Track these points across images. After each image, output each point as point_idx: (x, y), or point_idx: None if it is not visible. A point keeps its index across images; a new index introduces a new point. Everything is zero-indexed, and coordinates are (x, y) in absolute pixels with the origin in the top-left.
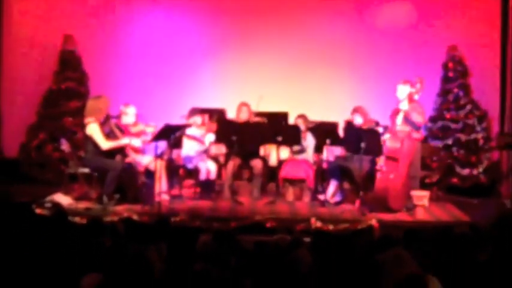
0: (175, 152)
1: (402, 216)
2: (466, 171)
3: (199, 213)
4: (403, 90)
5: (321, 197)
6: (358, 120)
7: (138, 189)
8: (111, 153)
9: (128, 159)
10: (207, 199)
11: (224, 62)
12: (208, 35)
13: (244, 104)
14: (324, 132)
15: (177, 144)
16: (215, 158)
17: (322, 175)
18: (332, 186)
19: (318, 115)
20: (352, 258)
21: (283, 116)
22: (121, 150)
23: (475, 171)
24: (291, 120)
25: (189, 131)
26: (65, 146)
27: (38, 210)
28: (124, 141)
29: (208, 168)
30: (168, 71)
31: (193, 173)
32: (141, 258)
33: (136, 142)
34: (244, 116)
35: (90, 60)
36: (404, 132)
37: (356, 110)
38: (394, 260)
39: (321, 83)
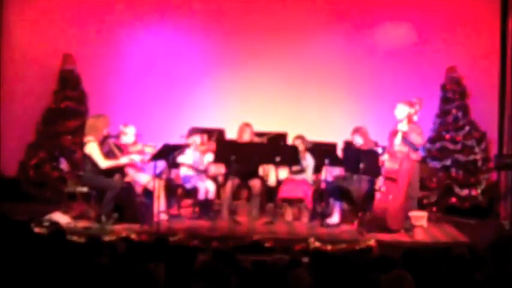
0: (174, 172)
1: (401, 236)
2: (464, 192)
3: (198, 233)
4: (402, 110)
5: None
6: (358, 141)
7: (136, 209)
8: (110, 172)
9: (126, 179)
10: (206, 219)
11: (223, 82)
12: (207, 55)
13: (246, 125)
14: (323, 152)
15: (175, 163)
16: (214, 178)
17: (321, 195)
18: (336, 209)
19: (316, 135)
20: (351, 278)
21: (282, 136)
22: (120, 170)
23: (473, 192)
24: (290, 141)
25: (187, 154)
26: (63, 165)
27: (36, 229)
28: (123, 160)
29: (207, 188)
30: (167, 90)
31: (192, 192)
32: (148, 276)
33: (137, 157)
34: (247, 137)
35: (90, 80)
36: (403, 153)
37: (356, 131)
38: (395, 281)
39: (320, 103)
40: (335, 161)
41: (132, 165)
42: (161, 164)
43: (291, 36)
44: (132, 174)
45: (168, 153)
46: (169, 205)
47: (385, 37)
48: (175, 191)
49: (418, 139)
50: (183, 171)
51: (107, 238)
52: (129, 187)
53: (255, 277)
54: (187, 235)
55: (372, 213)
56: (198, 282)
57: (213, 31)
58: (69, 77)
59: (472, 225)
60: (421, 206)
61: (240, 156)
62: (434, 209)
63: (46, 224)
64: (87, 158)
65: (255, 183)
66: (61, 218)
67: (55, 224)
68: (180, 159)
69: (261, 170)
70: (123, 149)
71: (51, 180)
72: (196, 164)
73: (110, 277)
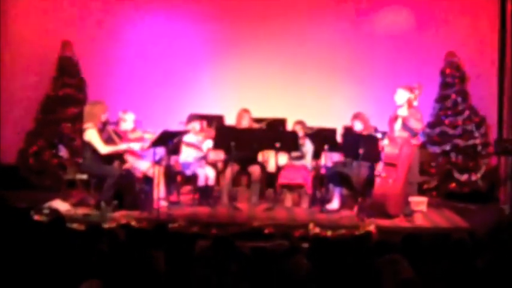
0: (173, 158)
1: (400, 222)
2: (464, 177)
3: (198, 219)
4: (402, 95)
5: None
6: (358, 127)
7: (136, 196)
8: (109, 159)
9: (126, 166)
10: (205, 205)
11: (222, 68)
12: (206, 41)
13: (245, 111)
14: (322, 138)
15: (175, 150)
16: (213, 164)
17: (321, 181)
18: (336, 194)
19: (316, 121)
20: (350, 264)
21: (281, 122)
22: (119, 157)
23: (473, 177)
24: (289, 127)
25: (187, 138)
26: (63, 152)
27: (36, 217)
28: (122, 146)
29: (206, 174)
30: (166, 77)
31: (192, 179)
32: (148, 263)
33: (136, 146)
34: (245, 123)
35: (88, 67)
36: (403, 138)
37: (356, 116)
38: (390, 265)
39: (319, 89)
40: (334, 147)
41: (131, 152)
42: (160, 151)
43: (290, 21)
44: (132, 161)
45: (168, 140)
46: (168, 192)
47: (385, 22)
48: (174, 177)
49: (417, 124)
50: (183, 158)
51: (106, 225)
52: (129, 174)
53: (255, 263)
54: (187, 222)
55: (371, 198)
56: (198, 269)
57: (212, 17)
58: (67, 64)
59: (472, 210)
60: (420, 191)
61: (240, 143)
62: (434, 194)
63: (46, 211)
64: (87, 145)
65: (255, 170)
66: (61, 206)
67: (55, 212)
68: (185, 138)
69: (260, 156)
70: (122, 136)
71: (51, 167)
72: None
73: (110, 264)
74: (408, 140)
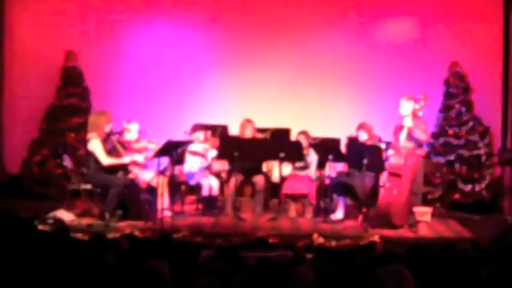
0: (177, 168)
1: (405, 232)
2: (468, 187)
3: (202, 230)
4: (406, 107)
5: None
6: (363, 137)
7: (140, 206)
8: (114, 169)
9: (130, 176)
10: (209, 215)
11: (226, 78)
12: (210, 51)
13: (248, 121)
14: (327, 148)
15: (179, 160)
16: (217, 174)
17: (325, 191)
18: (340, 204)
19: (320, 131)
20: (354, 274)
21: (286, 132)
22: (123, 167)
23: (477, 187)
24: (293, 137)
25: (191, 147)
26: (67, 162)
27: (40, 226)
28: (125, 159)
29: (210, 185)
30: (171, 86)
31: (196, 189)
32: (152, 273)
33: (139, 157)
34: (249, 133)
35: (93, 76)
36: (408, 149)
37: (361, 127)
38: (393, 275)
39: (323, 99)
40: (339, 157)
41: (135, 163)
42: (165, 161)
43: (294, 31)
44: (136, 171)
45: (172, 150)
46: (173, 202)
47: (389, 32)
48: (178, 187)
49: (422, 135)
50: (187, 168)
51: (110, 235)
52: (133, 184)
53: (259, 274)
54: (191, 232)
55: (376, 208)
56: (203, 279)
57: (216, 27)
58: (72, 73)
59: (476, 221)
60: (425, 202)
61: (244, 153)
62: (438, 204)
63: (50, 221)
64: (91, 155)
65: (259, 180)
66: (65, 215)
67: (59, 221)
68: (190, 147)
69: (264, 166)
70: (126, 146)
71: (55, 177)
72: (201, 161)
73: (114, 274)
74: (413, 150)
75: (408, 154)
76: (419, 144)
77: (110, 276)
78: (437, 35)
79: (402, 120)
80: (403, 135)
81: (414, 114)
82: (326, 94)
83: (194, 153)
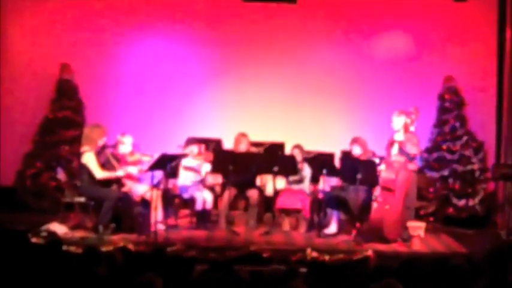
0: (171, 182)
1: (398, 247)
2: (462, 202)
3: (195, 243)
4: (398, 121)
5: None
6: (356, 151)
7: (134, 219)
8: (107, 182)
9: (124, 189)
10: (203, 229)
11: (221, 92)
12: (205, 65)
13: (242, 135)
14: (320, 162)
15: (173, 173)
16: (211, 188)
17: (319, 206)
18: (334, 219)
19: (314, 145)
20: None
21: (280, 146)
22: (117, 180)
23: (471, 202)
24: (287, 151)
25: (185, 162)
26: (61, 174)
27: (33, 239)
28: (119, 173)
29: (204, 198)
30: (165, 100)
31: (189, 202)
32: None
33: (133, 170)
34: (243, 147)
35: (87, 89)
36: (400, 163)
37: (355, 141)
38: None
39: (317, 113)
40: (332, 171)
41: (129, 175)
42: (158, 174)
43: (289, 46)
44: (130, 185)
45: (166, 163)
46: (166, 215)
47: (383, 47)
48: (172, 201)
49: (414, 149)
50: (181, 181)
51: (104, 248)
52: (127, 197)
53: (253, 287)
54: (185, 245)
55: (369, 223)
56: None
57: (210, 41)
58: (66, 86)
59: (470, 236)
60: (418, 216)
61: (238, 166)
62: (431, 219)
63: (43, 234)
64: (84, 168)
65: (253, 193)
66: (58, 228)
67: (52, 234)
68: (184, 162)
69: (258, 180)
70: (120, 159)
71: (49, 190)
72: (194, 175)
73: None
74: (405, 164)
75: (400, 168)
76: (411, 158)
77: None
78: (432, 50)
79: (394, 135)
80: (394, 149)
81: (406, 128)
82: (320, 108)
83: (188, 168)
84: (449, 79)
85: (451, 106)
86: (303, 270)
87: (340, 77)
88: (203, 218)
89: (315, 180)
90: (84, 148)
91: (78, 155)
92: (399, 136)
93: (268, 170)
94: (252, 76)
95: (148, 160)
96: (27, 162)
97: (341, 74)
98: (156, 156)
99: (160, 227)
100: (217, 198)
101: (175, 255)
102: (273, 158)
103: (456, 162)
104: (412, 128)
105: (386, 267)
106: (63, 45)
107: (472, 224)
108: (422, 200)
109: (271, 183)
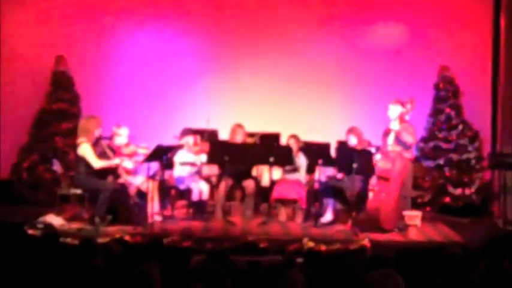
0: (167, 173)
1: (394, 236)
2: (458, 191)
3: (192, 234)
4: (394, 110)
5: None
6: (352, 141)
7: (130, 210)
8: (103, 174)
9: (120, 180)
10: (200, 220)
11: (216, 82)
12: (200, 56)
13: (239, 126)
14: (316, 152)
15: (169, 165)
16: (207, 179)
17: (315, 195)
18: (329, 207)
19: (309, 135)
20: (344, 278)
21: (275, 136)
22: (113, 171)
23: (467, 191)
24: (283, 141)
25: (180, 155)
26: (56, 166)
27: (30, 231)
28: (116, 161)
29: (200, 189)
30: (160, 91)
31: (186, 193)
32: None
33: (128, 164)
34: (239, 138)
35: (82, 81)
36: (396, 152)
37: (351, 131)
38: (383, 279)
39: (313, 103)
40: (328, 161)
41: (125, 169)
42: (154, 165)
43: (284, 36)
44: (126, 176)
45: (162, 155)
46: (163, 206)
47: (378, 37)
48: (168, 192)
49: (409, 138)
50: (177, 172)
51: (100, 240)
52: (123, 189)
53: (250, 278)
54: (181, 236)
55: (365, 212)
56: (193, 283)
57: (206, 32)
58: (61, 78)
59: (466, 224)
60: (414, 206)
61: (234, 157)
62: (428, 208)
63: (39, 226)
64: (80, 160)
65: (249, 184)
66: (54, 220)
67: (48, 226)
68: (177, 158)
69: (254, 171)
70: (116, 151)
71: (45, 182)
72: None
73: (104, 279)
74: (401, 154)
75: (396, 158)
76: (407, 147)
77: (100, 281)
78: (427, 40)
79: (390, 124)
80: (390, 138)
81: (401, 118)
82: (316, 98)
83: (183, 164)
84: (445, 69)
85: (446, 95)
86: (300, 260)
87: (336, 67)
88: (199, 208)
89: (311, 170)
90: (80, 139)
91: (74, 146)
92: (395, 125)
93: (264, 161)
94: (247, 67)
95: (144, 152)
96: (22, 154)
97: (337, 64)
98: (152, 147)
99: (157, 218)
100: (213, 189)
101: (171, 246)
102: (269, 148)
103: (452, 151)
104: (407, 117)
105: (382, 256)
106: (58, 37)
107: (468, 213)
108: (418, 189)
109: (267, 174)
